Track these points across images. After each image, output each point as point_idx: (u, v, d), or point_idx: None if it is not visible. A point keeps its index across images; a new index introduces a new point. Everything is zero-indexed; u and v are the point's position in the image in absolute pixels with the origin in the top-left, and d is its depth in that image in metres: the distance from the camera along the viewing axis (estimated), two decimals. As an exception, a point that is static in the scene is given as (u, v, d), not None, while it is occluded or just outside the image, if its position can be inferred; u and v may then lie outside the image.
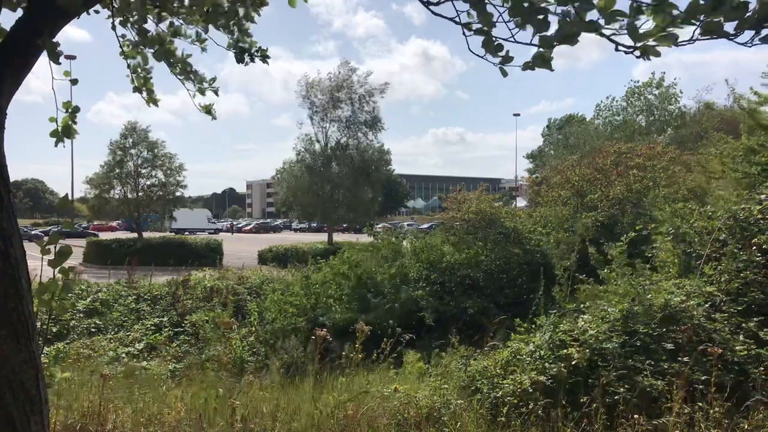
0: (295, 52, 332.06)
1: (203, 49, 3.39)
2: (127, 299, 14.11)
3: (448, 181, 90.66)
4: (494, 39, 1.87)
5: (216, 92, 3.57)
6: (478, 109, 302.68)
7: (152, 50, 3.26)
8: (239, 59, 3.38)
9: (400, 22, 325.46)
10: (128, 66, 3.39)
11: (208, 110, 3.73)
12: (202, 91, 3.52)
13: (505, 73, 1.96)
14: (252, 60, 3.41)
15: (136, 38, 3.23)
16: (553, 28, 1.77)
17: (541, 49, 1.81)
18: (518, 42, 1.84)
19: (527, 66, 1.88)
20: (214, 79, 3.54)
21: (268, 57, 3.46)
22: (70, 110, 2.91)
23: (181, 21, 3.21)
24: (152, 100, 3.52)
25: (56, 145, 2.93)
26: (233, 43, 3.34)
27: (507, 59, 1.89)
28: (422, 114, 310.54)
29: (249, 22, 3.24)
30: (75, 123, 2.95)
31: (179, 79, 3.41)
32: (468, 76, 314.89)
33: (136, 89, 3.47)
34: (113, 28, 3.14)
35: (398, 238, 13.75)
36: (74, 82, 3.08)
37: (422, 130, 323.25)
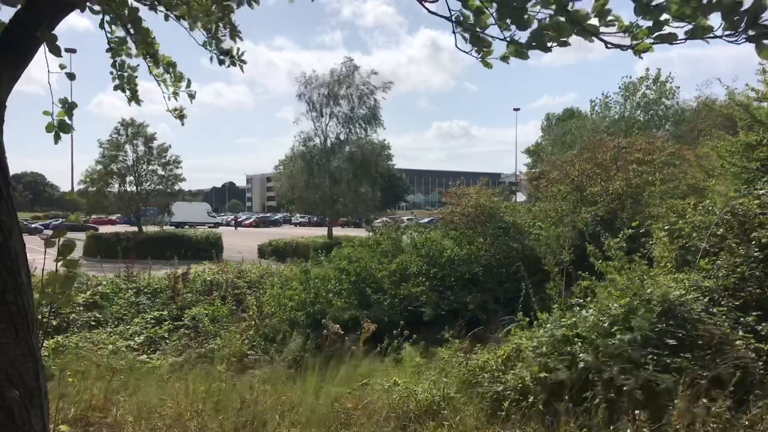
0: (301, 42, 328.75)
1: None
2: (126, 292, 14.09)
3: (449, 176, 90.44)
4: (479, 34, 2.01)
5: (192, 96, 3.55)
6: (484, 102, 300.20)
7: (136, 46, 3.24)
8: (220, 62, 3.42)
9: (411, 9, 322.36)
10: (113, 64, 3.36)
11: (180, 115, 3.74)
12: (175, 96, 3.53)
13: (488, 65, 2.10)
14: (233, 64, 3.44)
15: (123, 34, 3.20)
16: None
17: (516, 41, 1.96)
18: (505, 40, 1.99)
19: (504, 58, 2.03)
20: (189, 83, 3.54)
21: (244, 62, 3.49)
22: (66, 106, 2.81)
23: (171, 14, 3.18)
24: (134, 99, 3.49)
25: (56, 143, 2.87)
26: (217, 50, 3.36)
27: (488, 53, 2.05)
28: (428, 107, 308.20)
29: (235, 36, 3.25)
30: (71, 118, 2.85)
31: (156, 80, 3.42)
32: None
33: (118, 87, 3.43)
34: (101, 23, 3.11)
35: (398, 233, 13.72)
36: (71, 76, 3.03)
37: (427, 124, 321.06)
